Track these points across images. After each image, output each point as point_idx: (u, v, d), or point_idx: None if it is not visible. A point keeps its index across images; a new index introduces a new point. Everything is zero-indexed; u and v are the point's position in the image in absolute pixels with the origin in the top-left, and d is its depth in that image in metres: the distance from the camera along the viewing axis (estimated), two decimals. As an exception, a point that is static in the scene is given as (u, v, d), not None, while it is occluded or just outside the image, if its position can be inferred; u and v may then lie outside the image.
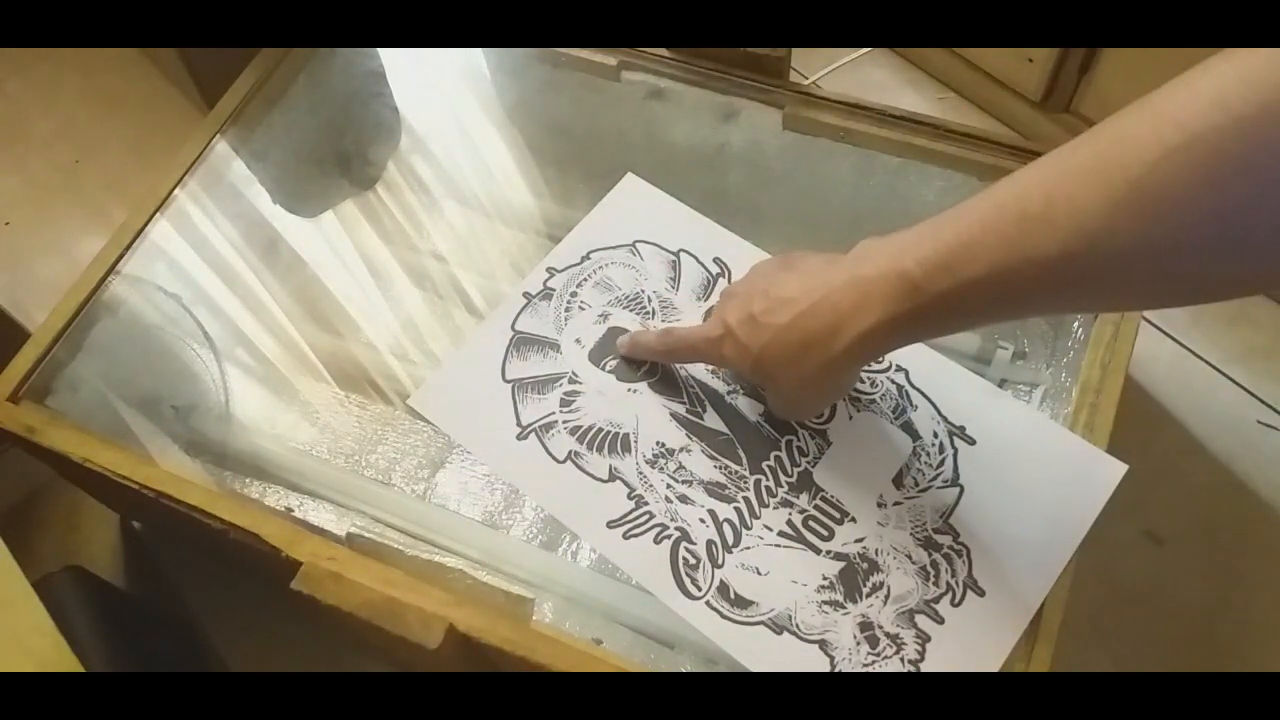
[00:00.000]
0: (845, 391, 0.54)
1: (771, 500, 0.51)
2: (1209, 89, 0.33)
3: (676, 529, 0.51)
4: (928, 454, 0.52)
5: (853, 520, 0.51)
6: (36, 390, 0.56)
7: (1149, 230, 0.34)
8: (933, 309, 0.40)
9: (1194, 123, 0.32)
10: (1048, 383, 0.57)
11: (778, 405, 0.52)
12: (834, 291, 0.43)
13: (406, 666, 0.58)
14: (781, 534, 0.50)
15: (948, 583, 0.49)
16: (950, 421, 0.53)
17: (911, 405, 0.54)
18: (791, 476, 0.52)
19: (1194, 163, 0.33)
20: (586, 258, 0.60)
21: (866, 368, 0.55)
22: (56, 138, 0.90)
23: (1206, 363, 0.76)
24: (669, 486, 0.52)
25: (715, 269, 0.59)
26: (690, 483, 0.52)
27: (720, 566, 0.50)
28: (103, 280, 0.59)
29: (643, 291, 0.58)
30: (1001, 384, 0.58)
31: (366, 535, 0.51)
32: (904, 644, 0.48)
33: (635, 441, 0.53)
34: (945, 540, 0.50)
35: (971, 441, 0.53)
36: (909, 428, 0.53)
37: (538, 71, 0.69)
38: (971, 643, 0.47)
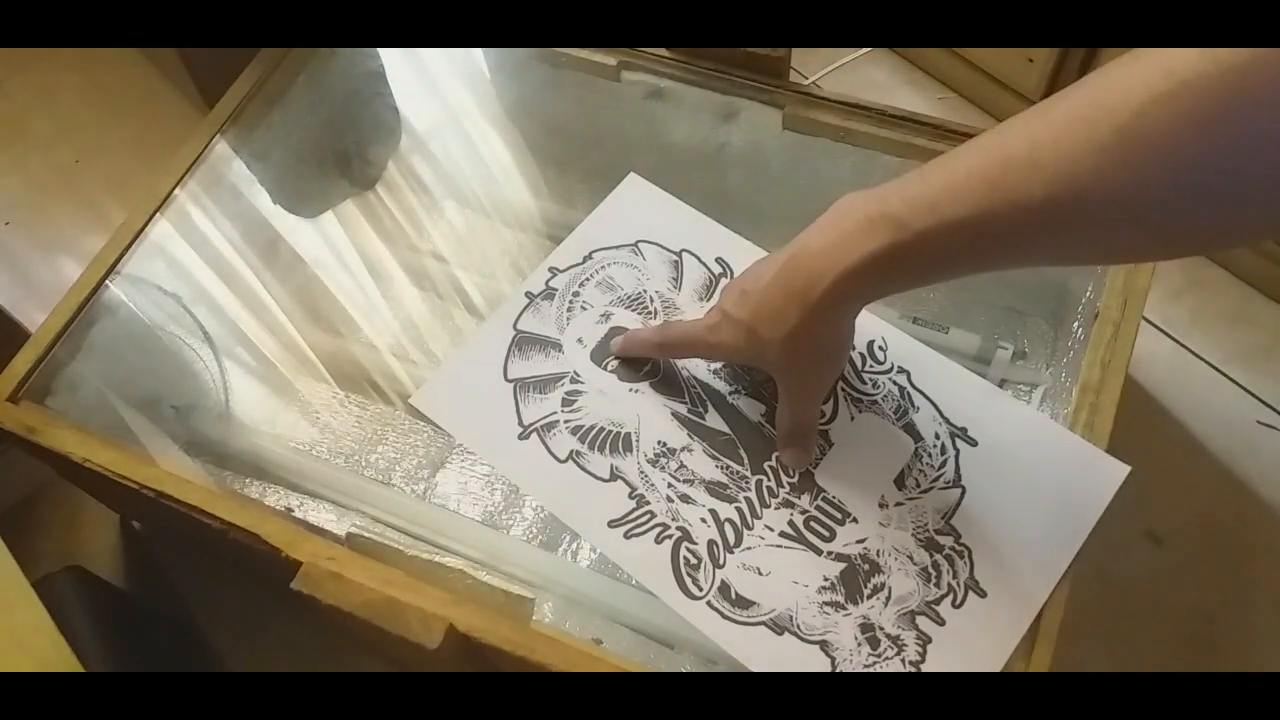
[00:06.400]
0: (843, 353, 0.51)
1: (773, 500, 0.51)
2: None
3: (678, 529, 0.51)
4: (929, 455, 0.52)
5: (854, 521, 0.51)
6: (36, 390, 0.56)
7: (1134, 176, 0.34)
8: (913, 249, 0.40)
9: (1182, 70, 0.32)
10: (1048, 383, 0.57)
11: (785, 387, 0.50)
12: (811, 240, 0.44)
13: (406, 666, 0.58)
14: (783, 534, 0.50)
15: (949, 584, 0.49)
16: (952, 423, 0.53)
17: (913, 406, 0.54)
18: (793, 477, 0.52)
19: (1180, 110, 0.32)
20: (589, 257, 0.60)
21: (868, 369, 0.55)
22: (56, 138, 0.90)
23: (1206, 363, 0.76)
24: (670, 486, 0.52)
25: (717, 269, 0.59)
26: (692, 482, 0.52)
27: (721, 566, 0.50)
28: (103, 280, 0.59)
29: (645, 291, 0.58)
30: (1001, 384, 0.58)
31: (366, 535, 0.51)
32: (905, 645, 0.48)
33: (637, 441, 0.53)
34: (947, 541, 0.50)
35: (973, 442, 0.52)
36: (911, 429, 0.53)
37: (538, 71, 0.69)
38: (972, 645, 0.47)
